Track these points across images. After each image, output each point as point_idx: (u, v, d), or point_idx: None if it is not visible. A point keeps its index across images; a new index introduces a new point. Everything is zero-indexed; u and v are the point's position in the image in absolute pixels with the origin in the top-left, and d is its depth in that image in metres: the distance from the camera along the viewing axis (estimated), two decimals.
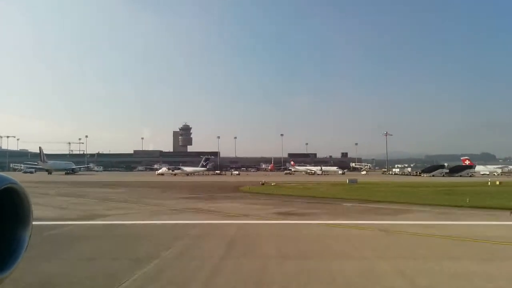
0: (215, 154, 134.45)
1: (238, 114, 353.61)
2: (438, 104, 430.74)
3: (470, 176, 73.27)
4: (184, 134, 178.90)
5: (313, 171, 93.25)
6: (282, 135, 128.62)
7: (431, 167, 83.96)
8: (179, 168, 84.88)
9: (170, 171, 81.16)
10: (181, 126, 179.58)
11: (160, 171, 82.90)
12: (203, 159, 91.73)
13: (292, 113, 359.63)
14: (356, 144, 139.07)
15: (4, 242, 1.49)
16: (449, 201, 18.83)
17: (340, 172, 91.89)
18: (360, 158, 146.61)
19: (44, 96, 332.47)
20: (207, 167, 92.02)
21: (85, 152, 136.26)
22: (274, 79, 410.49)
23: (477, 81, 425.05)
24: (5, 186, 1.39)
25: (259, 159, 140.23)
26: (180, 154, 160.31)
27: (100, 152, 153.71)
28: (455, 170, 79.66)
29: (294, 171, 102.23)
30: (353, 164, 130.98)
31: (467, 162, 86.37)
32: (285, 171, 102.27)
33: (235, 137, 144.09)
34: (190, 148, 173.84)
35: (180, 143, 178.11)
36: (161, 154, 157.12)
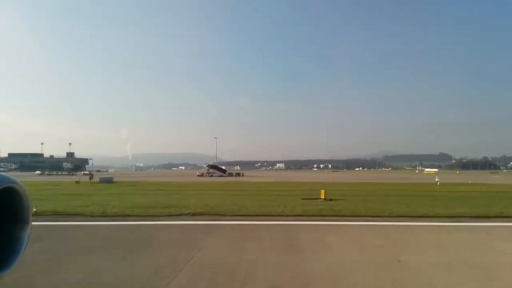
0: None
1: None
2: (399, 103, 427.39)
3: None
4: None
5: None
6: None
7: None
8: None
9: None
10: None
11: None
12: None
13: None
14: (70, 144, 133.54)
15: (3, 241, 1.45)
16: None
17: None
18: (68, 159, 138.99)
19: None
20: None
21: None
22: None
23: (442, 82, 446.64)
24: (5, 185, 1.33)
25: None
26: None
27: None
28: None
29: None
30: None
31: None
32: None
33: None
34: None
35: None
36: None
